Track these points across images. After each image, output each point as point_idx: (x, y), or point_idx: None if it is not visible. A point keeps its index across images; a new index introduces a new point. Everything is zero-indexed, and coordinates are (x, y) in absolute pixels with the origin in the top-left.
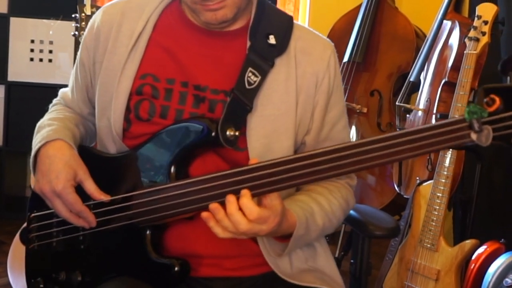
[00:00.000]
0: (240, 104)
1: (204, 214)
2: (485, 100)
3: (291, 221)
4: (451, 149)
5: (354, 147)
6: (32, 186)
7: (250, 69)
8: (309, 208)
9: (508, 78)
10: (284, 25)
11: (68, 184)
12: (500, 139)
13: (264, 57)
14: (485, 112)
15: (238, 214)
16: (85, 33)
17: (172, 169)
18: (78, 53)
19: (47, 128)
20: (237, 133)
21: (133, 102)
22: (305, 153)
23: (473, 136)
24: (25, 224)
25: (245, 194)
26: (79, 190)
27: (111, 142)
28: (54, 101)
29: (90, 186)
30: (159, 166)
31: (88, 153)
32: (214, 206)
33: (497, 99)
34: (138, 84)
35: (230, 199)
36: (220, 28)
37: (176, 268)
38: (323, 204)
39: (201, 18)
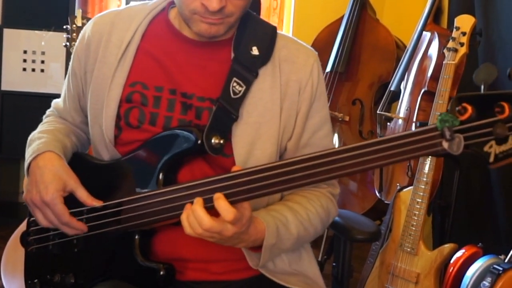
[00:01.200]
0: (226, 113)
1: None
2: (457, 108)
3: (259, 229)
4: (430, 156)
5: (329, 155)
6: (23, 197)
7: (234, 79)
8: (282, 217)
9: (482, 86)
10: (268, 36)
11: (56, 194)
12: (471, 147)
13: (248, 68)
14: (457, 121)
15: (201, 211)
16: (77, 43)
17: (161, 176)
18: (70, 63)
19: (37, 141)
20: (222, 141)
21: (123, 109)
22: (282, 161)
23: (445, 144)
24: (20, 227)
25: (219, 196)
26: (73, 196)
27: (104, 149)
28: (48, 112)
29: (82, 194)
30: (148, 173)
31: (81, 160)
32: (187, 205)
33: (469, 108)
34: (127, 92)
35: (197, 199)
36: (208, 39)
37: (161, 272)
38: (300, 213)
39: (193, 29)
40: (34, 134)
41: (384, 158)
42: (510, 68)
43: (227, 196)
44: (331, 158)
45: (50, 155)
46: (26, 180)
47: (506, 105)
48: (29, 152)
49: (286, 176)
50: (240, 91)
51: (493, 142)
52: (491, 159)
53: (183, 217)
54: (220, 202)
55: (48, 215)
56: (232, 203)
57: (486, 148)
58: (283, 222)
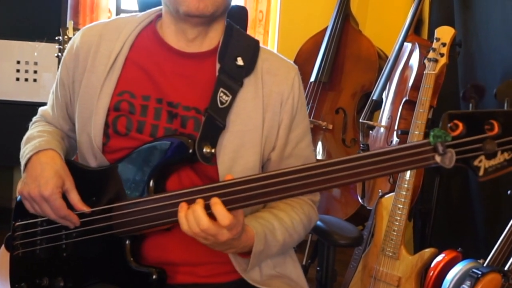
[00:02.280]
0: (214, 123)
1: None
2: (449, 125)
3: (249, 235)
4: None
5: (323, 167)
6: (18, 190)
7: (221, 89)
8: (269, 225)
9: (470, 104)
10: (251, 48)
11: (56, 190)
12: (462, 161)
13: (233, 78)
14: (449, 136)
15: (201, 211)
16: (65, 53)
17: (151, 183)
18: (58, 72)
19: (38, 139)
20: (213, 150)
21: (111, 117)
22: (278, 171)
23: (437, 158)
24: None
25: (217, 202)
26: (64, 198)
27: (91, 156)
28: (34, 119)
29: (74, 197)
30: (138, 180)
31: (72, 166)
32: (183, 203)
33: (460, 125)
34: (115, 101)
35: (199, 200)
36: (198, 23)
37: (154, 276)
38: (285, 220)
39: (182, 8)
40: (32, 133)
41: (379, 170)
42: (496, 88)
43: (223, 204)
44: (328, 169)
45: (53, 153)
46: (23, 175)
47: (495, 123)
48: (29, 148)
49: (282, 185)
50: (226, 101)
51: (483, 157)
52: (481, 172)
53: (181, 215)
54: (218, 207)
55: (44, 208)
56: (229, 210)
57: (476, 163)
58: (270, 229)
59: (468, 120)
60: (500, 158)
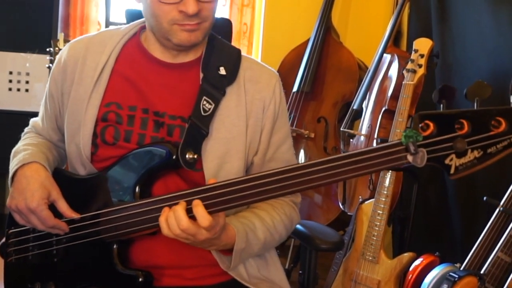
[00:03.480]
0: (197, 130)
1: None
2: (420, 125)
3: (230, 234)
4: (390, 171)
5: (300, 169)
6: (7, 204)
7: (204, 97)
8: (250, 224)
9: (441, 105)
10: (233, 57)
11: (42, 202)
12: (433, 160)
13: (216, 87)
14: (420, 136)
15: (182, 211)
16: (53, 66)
17: (137, 189)
18: (47, 85)
19: (23, 152)
20: (195, 156)
21: (100, 128)
22: (256, 174)
23: (409, 158)
24: (4, 239)
25: (198, 203)
26: (53, 208)
27: (80, 165)
28: (26, 129)
29: (62, 205)
30: (125, 187)
31: (61, 175)
32: (165, 208)
33: (431, 125)
34: (103, 112)
35: (181, 202)
36: (182, 52)
37: (140, 279)
38: (266, 220)
39: (174, 40)
40: (18, 147)
41: (354, 171)
42: (467, 88)
43: (206, 207)
44: (304, 171)
45: (37, 166)
46: (10, 189)
47: (465, 122)
48: (15, 162)
49: (260, 188)
50: (209, 109)
51: (453, 156)
52: (452, 171)
53: (162, 219)
54: (199, 208)
55: (32, 220)
56: (212, 212)
57: (447, 161)
58: (252, 228)
59: (439, 120)
60: (470, 156)
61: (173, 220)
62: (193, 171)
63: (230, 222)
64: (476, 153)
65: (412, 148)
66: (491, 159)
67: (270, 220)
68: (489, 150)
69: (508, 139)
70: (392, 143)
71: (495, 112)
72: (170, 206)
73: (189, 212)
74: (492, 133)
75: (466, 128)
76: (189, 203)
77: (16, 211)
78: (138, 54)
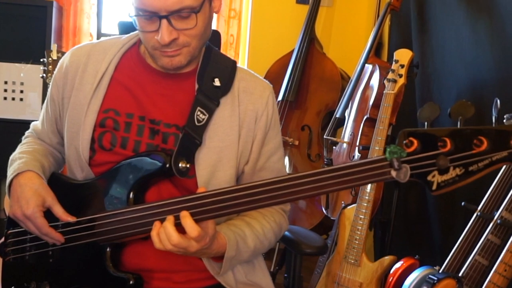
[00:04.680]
0: (191, 139)
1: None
2: (404, 141)
3: (221, 243)
4: None
5: (290, 180)
6: (6, 211)
7: (198, 108)
8: (241, 232)
9: (426, 123)
10: (229, 69)
11: (37, 209)
12: (416, 176)
13: (210, 98)
14: (404, 153)
15: (171, 228)
16: (55, 71)
17: (131, 195)
18: (49, 89)
19: (18, 161)
20: (188, 165)
21: (97, 133)
22: (246, 184)
23: (393, 173)
24: (3, 239)
25: (186, 215)
26: (50, 212)
27: (78, 169)
28: (26, 133)
29: (58, 210)
30: (120, 192)
31: (58, 179)
32: (156, 222)
33: (415, 142)
34: (101, 118)
35: (169, 217)
36: (174, 71)
37: (131, 282)
38: (256, 228)
39: (158, 63)
40: (14, 155)
41: (340, 184)
42: (450, 108)
43: (194, 215)
44: (292, 182)
45: (31, 174)
46: (7, 198)
47: (448, 140)
48: (10, 171)
49: (250, 197)
50: (203, 119)
51: (436, 172)
52: (434, 187)
53: (154, 234)
54: (187, 220)
55: (29, 226)
56: (199, 221)
57: (429, 178)
58: (242, 236)
59: (423, 137)
60: (452, 173)
61: (164, 236)
62: (186, 179)
63: (221, 230)
64: (458, 171)
65: (396, 164)
66: (472, 177)
67: (260, 228)
68: (470, 168)
69: (490, 158)
70: (377, 158)
71: (477, 132)
72: (162, 214)
73: (177, 219)
74: (474, 151)
75: (449, 146)
76: (177, 217)
77: (15, 219)
78: (137, 63)
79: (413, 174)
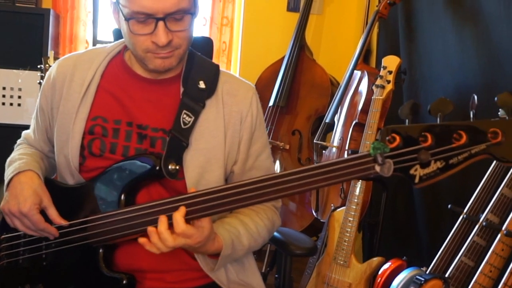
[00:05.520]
0: (178, 142)
1: (141, 240)
2: (387, 138)
3: (217, 245)
4: (360, 180)
5: (276, 178)
6: (1, 207)
7: (184, 111)
8: (235, 231)
9: (407, 120)
10: (213, 72)
11: (33, 207)
12: (399, 170)
13: (196, 100)
14: (387, 148)
15: (166, 233)
16: (43, 82)
17: (122, 197)
18: (38, 100)
19: (19, 161)
20: (177, 167)
21: (87, 140)
22: (236, 183)
23: (377, 168)
24: None
25: (180, 209)
26: (43, 214)
27: (69, 175)
28: (18, 141)
29: (52, 212)
30: (111, 195)
31: (51, 184)
32: (150, 229)
33: (397, 137)
34: (90, 125)
35: (162, 219)
36: (161, 73)
37: (124, 282)
38: (250, 226)
39: (149, 66)
40: (14, 156)
41: (326, 180)
42: (430, 105)
43: (186, 214)
44: (280, 180)
45: (31, 173)
46: (5, 194)
47: (428, 135)
48: (11, 170)
49: (240, 195)
50: (189, 122)
51: (418, 166)
52: (416, 180)
53: (150, 246)
54: (176, 216)
55: (24, 223)
56: (191, 220)
57: (412, 171)
58: (236, 235)
59: (405, 133)
60: (433, 167)
61: (160, 242)
62: (175, 180)
63: (216, 230)
64: (439, 164)
65: (379, 159)
66: (453, 169)
67: (253, 226)
68: (451, 161)
69: (469, 151)
70: (361, 154)
71: (456, 126)
72: (153, 215)
73: (170, 219)
74: (454, 145)
75: (429, 141)
76: (169, 217)
77: (9, 214)
78: (122, 71)
79: (396, 169)
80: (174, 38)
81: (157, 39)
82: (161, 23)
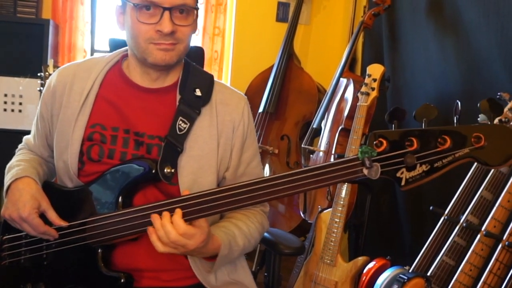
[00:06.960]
0: (173, 147)
1: (150, 229)
2: (374, 142)
3: (216, 245)
4: (346, 183)
5: (267, 181)
6: (1, 213)
7: (180, 117)
8: (231, 232)
9: (393, 125)
10: (207, 81)
11: (32, 211)
12: (386, 174)
13: (192, 107)
14: (375, 152)
15: (169, 225)
16: (44, 90)
17: (120, 199)
18: (38, 107)
19: (16, 168)
20: (173, 170)
21: (86, 146)
22: (228, 186)
23: (365, 171)
24: None
25: (177, 212)
26: (43, 217)
27: (68, 179)
28: (20, 146)
29: (51, 215)
30: (109, 198)
31: (51, 187)
32: (154, 216)
33: (384, 142)
34: (89, 132)
35: (165, 214)
36: (161, 69)
37: (122, 280)
38: (243, 228)
39: (149, 60)
40: (12, 162)
41: (316, 183)
42: (415, 111)
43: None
44: (270, 183)
45: (28, 180)
46: (5, 200)
47: (414, 140)
48: (9, 176)
49: (232, 198)
50: (185, 128)
51: (404, 169)
52: (403, 183)
53: (154, 239)
54: (175, 217)
55: (25, 227)
56: (186, 221)
57: (398, 174)
58: (232, 236)
59: (391, 137)
60: (419, 170)
61: (163, 233)
62: (170, 185)
63: (214, 233)
64: (424, 167)
65: (367, 162)
66: (437, 172)
67: (246, 228)
68: (435, 165)
69: (453, 154)
70: (350, 158)
71: (441, 131)
72: (149, 217)
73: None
74: (438, 149)
75: (415, 145)
76: (170, 211)
77: (10, 220)
78: (120, 80)
79: (383, 172)
80: (177, 31)
81: (161, 27)
82: (166, 13)
